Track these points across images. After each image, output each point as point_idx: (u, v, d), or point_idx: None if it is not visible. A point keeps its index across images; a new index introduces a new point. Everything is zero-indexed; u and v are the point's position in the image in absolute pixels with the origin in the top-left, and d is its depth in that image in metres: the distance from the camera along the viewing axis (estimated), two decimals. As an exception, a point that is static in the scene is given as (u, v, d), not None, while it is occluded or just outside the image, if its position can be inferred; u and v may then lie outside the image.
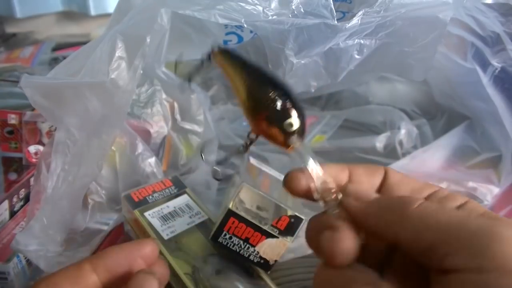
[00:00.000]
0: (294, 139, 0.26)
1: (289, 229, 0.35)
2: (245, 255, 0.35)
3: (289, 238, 0.35)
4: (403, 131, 0.58)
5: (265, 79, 0.28)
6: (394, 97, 0.65)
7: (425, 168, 0.52)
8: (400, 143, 0.58)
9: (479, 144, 0.54)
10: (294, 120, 0.26)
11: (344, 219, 0.24)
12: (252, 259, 0.35)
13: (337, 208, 0.25)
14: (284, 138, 0.26)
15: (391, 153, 0.58)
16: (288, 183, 0.26)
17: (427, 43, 0.42)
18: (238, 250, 0.35)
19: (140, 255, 0.26)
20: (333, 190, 0.25)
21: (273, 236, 0.35)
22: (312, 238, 0.24)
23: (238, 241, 0.35)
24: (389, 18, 0.38)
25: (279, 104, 0.27)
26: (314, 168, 0.26)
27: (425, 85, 0.63)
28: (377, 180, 0.27)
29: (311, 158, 0.26)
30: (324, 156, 0.55)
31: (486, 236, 0.19)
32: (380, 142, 0.58)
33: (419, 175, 0.26)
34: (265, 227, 0.34)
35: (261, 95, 0.27)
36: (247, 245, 0.35)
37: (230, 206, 0.34)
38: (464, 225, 0.20)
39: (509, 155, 0.50)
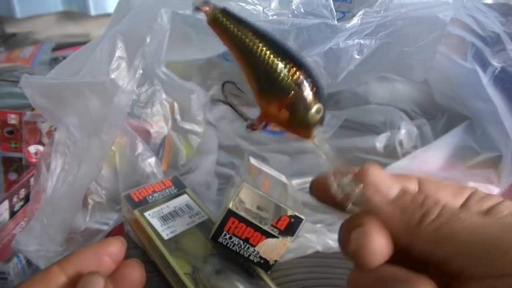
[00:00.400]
0: (318, 127, 0.23)
1: (289, 229, 0.34)
2: (245, 255, 0.35)
3: (289, 238, 0.35)
4: (403, 131, 0.58)
5: (285, 54, 0.22)
6: (394, 97, 0.65)
7: (426, 168, 0.52)
8: (400, 143, 0.58)
9: (479, 144, 0.54)
10: (321, 106, 0.23)
11: (372, 216, 0.22)
12: (252, 259, 0.35)
13: (360, 204, 0.22)
14: (308, 127, 0.23)
15: (391, 153, 0.58)
16: (315, 190, 0.24)
17: (427, 43, 0.42)
18: (238, 250, 0.35)
19: (106, 253, 0.26)
20: (353, 182, 0.22)
21: (273, 236, 0.35)
22: (344, 243, 0.22)
23: (238, 241, 0.35)
24: (389, 18, 0.38)
25: (306, 88, 0.22)
26: (333, 159, 0.23)
27: (425, 85, 0.63)
28: (412, 187, 0.24)
29: (328, 148, 0.23)
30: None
31: (500, 245, 0.19)
32: (380, 142, 0.58)
33: (419, 175, 0.26)
34: (265, 227, 0.34)
35: (282, 76, 0.22)
36: (247, 245, 0.35)
37: (230, 206, 0.34)
38: (481, 233, 0.20)
39: (509, 155, 0.50)
